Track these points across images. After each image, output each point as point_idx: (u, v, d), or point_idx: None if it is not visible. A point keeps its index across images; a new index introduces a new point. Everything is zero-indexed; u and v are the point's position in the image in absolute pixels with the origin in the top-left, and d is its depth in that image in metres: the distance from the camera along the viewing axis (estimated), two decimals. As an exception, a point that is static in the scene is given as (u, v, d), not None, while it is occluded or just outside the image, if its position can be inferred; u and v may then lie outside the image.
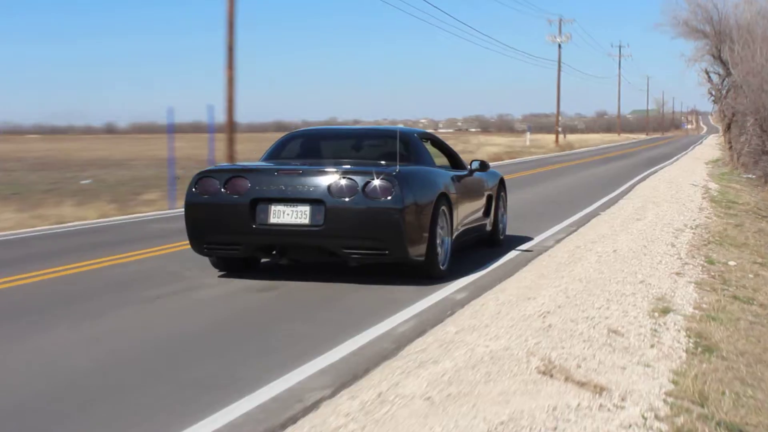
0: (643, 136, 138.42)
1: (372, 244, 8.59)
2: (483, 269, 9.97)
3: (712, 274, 10.55)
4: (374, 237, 8.55)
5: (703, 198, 21.12)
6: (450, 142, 50.59)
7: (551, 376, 5.63)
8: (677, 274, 10.17)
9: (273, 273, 9.67)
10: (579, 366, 5.96)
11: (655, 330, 7.24)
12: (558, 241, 12.86)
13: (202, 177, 9.08)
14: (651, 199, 20.22)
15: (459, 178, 10.46)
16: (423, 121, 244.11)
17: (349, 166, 8.90)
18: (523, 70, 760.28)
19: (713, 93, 49.29)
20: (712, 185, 26.01)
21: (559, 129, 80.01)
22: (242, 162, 14.14)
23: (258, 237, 8.79)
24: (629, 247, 12.07)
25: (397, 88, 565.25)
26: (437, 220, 9.13)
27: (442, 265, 9.32)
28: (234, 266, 9.70)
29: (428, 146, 10.61)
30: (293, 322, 7.29)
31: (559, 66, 79.20)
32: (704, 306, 8.50)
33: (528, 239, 13.07)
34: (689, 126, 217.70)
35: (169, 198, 19.98)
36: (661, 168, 36.37)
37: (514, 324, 7.17)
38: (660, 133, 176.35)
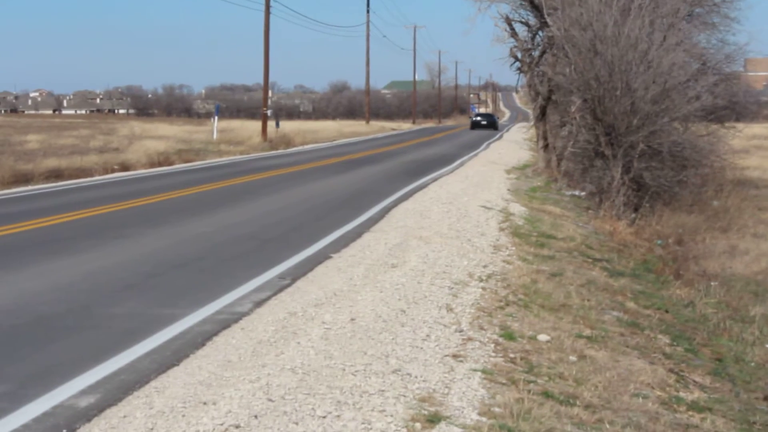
0: (407, 126, 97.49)
1: (493, 125, 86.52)
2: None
3: (512, 356, 7.93)
4: (493, 124, 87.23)
5: (502, 230, 15.35)
6: (76, 133, 54.03)
7: None
8: (455, 357, 7.62)
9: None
10: None
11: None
12: (259, 304, 9.33)
13: (473, 116, 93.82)
14: (416, 231, 14.34)
15: (498, 118, 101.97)
16: (33, 94, 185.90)
17: (492, 116, 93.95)
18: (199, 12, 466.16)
19: (519, 57, 32.89)
20: (517, 208, 18.90)
21: (269, 112, 53.13)
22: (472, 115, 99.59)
23: (477, 123, 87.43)
24: (377, 312, 8.80)
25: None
26: (498, 123, 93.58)
27: (499, 131, 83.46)
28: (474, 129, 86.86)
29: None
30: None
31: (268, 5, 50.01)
32: (497, 410, 6.48)
33: (201, 307, 9.24)
34: (482, 109, 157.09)
35: None
36: (434, 179, 25.57)
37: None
38: (435, 120, 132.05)
